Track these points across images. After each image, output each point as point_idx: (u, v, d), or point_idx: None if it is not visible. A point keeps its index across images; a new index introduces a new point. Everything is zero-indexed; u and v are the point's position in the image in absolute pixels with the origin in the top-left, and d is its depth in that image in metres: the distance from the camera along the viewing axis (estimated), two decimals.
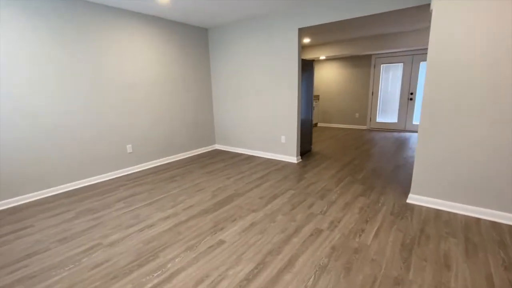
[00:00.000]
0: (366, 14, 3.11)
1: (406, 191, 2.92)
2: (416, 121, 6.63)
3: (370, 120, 7.24)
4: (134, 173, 3.84)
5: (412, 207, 2.57)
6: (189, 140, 4.77)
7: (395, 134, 6.42)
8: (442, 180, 2.47)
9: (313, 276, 1.65)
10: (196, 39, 4.61)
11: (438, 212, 2.44)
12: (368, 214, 2.44)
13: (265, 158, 4.49)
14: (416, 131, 6.60)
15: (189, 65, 4.56)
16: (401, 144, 5.29)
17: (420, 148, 2.53)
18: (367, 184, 3.19)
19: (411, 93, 6.53)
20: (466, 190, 2.37)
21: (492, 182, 2.24)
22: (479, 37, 2.11)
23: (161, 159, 4.31)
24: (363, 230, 2.18)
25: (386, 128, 7.08)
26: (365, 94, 7.17)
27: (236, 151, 4.96)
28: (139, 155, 3.99)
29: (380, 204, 2.64)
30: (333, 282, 1.60)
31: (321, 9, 3.43)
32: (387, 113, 7.00)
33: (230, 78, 4.71)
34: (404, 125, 6.80)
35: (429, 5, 2.90)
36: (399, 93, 6.71)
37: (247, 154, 4.75)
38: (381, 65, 6.82)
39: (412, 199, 2.66)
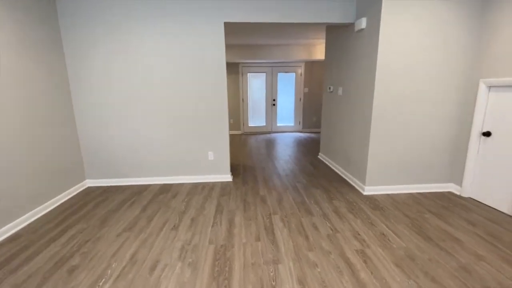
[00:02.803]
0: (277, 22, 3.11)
1: (352, 187, 3.29)
2: (279, 123, 7.77)
3: (243, 125, 7.62)
4: None
5: (371, 197, 2.93)
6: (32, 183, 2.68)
7: (267, 135, 7.18)
8: (389, 170, 3.00)
9: None
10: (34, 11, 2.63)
11: (390, 195, 2.95)
12: (359, 215, 2.49)
13: (189, 184, 3.42)
14: (279, 132, 7.74)
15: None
16: (293, 144, 5.98)
17: (372, 148, 2.92)
18: (320, 187, 3.27)
19: (274, 100, 7.56)
20: (404, 173, 3.03)
21: (423, 166, 3.02)
22: (403, 55, 2.73)
23: None
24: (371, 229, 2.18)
25: (258, 131, 7.75)
26: (236, 101, 7.42)
27: (132, 183, 3.41)
28: None
29: (354, 203, 2.78)
30: None
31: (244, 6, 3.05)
32: (256, 117, 7.66)
33: (114, 74, 3.12)
34: (271, 127, 7.76)
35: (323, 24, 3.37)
36: (264, 99, 7.54)
37: (157, 184, 3.40)
38: (248, 73, 7.33)
39: (368, 190, 3.03)
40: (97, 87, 3.13)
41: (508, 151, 2.47)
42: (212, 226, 2.35)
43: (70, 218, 2.52)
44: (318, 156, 4.72)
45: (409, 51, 2.72)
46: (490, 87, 2.62)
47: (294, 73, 7.43)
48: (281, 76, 7.42)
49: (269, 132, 7.72)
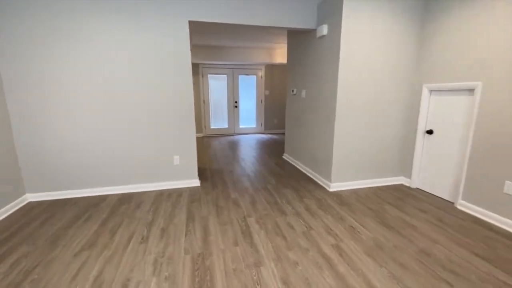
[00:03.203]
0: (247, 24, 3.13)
1: (319, 184, 3.45)
2: (242, 125, 7.77)
3: (205, 127, 7.42)
4: None
5: (338, 192, 3.12)
6: None
7: (230, 137, 7.12)
8: (351, 167, 3.22)
9: None
10: None
11: (353, 190, 3.17)
12: (328, 211, 2.62)
13: (153, 191, 3.18)
14: (242, 134, 7.75)
15: None
16: (257, 145, 6.01)
17: (336, 147, 3.11)
18: (289, 187, 3.36)
19: (236, 102, 7.53)
20: (364, 170, 3.29)
21: (380, 161, 3.30)
22: (361, 62, 2.98)
23: None
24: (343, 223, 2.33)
25: (220, 134, 7.63)
26: (197, 102, 7.19)
27: (86, 195, 3.04)
28: None
29: (323, 200, 2.92)
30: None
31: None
32: (218, 119, 7.54)
33: (56, 75, 2.75)
34: (233, 129, 7.71)
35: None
36: (226, 101, 7.46)
37: (115, 195, 3.08)
38: (208, 74, 7.17)
39: (333, 187, 3.21)
40: (37, 90, 2.72)
41: (446, 147, 2.87)
42: (186, 234, 2.22)
43: (9, 241, 2.13)
44: (283, 157, 4.84)
45: (367, 59, 2.97)
46: (431, 91, 3.01)
47: (255, 76, 7.52)
48: (242, 78, 7.44)
49: (232, 134, 7.66)
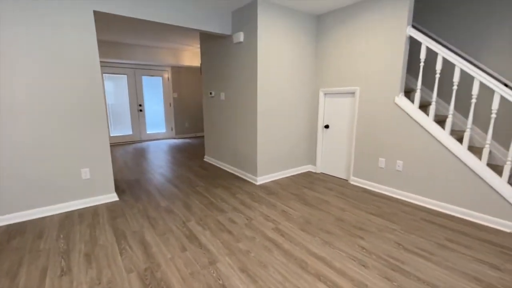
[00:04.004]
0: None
1: (246, 180, 3.68)
2: (149, 130, 7.13)
3: None
4: None
5: (264, 185, 3.44)
6: None
7: (137, 145, 6.44)
8: (272, 161, 3.62)
9: None
10: None
11: (275, 181, 3.58)
12: (261, 201, 2.89)
13: (56, 215, 2.55)
14: (151, 140, 7.13)
15: None
16: (174, 151, 5.63)
17: (259, 145, 3.42)
18: (219, 186, 3.43)
19: (140, 105, 6.85)
20: (281, 162, 3.75)
21: (288, 153, 3.82)
22: (276, 67, 3.42)
23: None
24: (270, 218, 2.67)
25: (123, 142, 6.74)
26: None
27: None
28: None
29: (254, 193, 3.17)
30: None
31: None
32: (119, 125, 6.65)
33: None
34: (140, 136, 6.98)
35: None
36: (128, 105, 6.68)
37: None
38: (103, 74, 6.22)
39: (259, 180, 3.52)
40: None
41: (338, 137, 3.68)
42: (121, 254, 1.95)
43: None
44: (205, 159, 4.83)
45: (279, 66, 3.42)
46: (325, 94, 3.78)
47: (161, 77, 7.09)
48: (146, 80, 6.86)
49: (139, 141, 6.93)
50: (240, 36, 3.37)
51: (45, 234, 2.23)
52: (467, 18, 3.12)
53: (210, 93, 4.30)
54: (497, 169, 2.65)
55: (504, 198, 2.27)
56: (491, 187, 2.34)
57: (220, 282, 1.65)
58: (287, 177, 3.77)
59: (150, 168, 4.28)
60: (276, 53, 3.36)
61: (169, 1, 2.97)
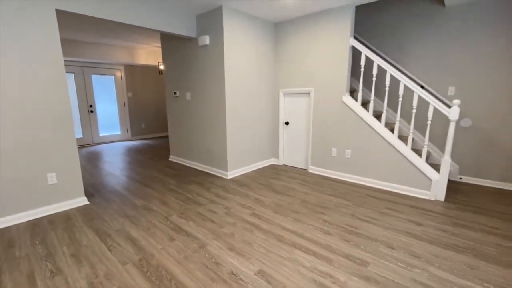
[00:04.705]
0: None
1: (217, 176, 3.89)
2: (102, 132, 6.70)
3: None
4: None
5: (234, 178, 3.71)
6: None
7: (90, 148, 6.04)
8: (240, 156, 3.90)
9: None
10: None
11: (244, 174, 3.87)
12: (235, 193, 3.17)
13: (21, 223, 2.40)
14: (104, 142, 6.72)
15: None
16: (134, 153, 5.43)
17: (229, 142, 3.68)
18: (192, 183, 3.57)
19: (91, 106, 6.40)
20: (249, 157, 4.06)
21: (255, 150, 4.16)
22: (242, 69, 3.71)
23: None
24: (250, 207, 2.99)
25: None
26: None
27: None
28: None
29: (226, 186, 3.41)
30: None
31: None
32: None
33: None
34: (91, 139, 6.52)
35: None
36: (77, 105, 6.18)
37: None
38: None
39: (230, 174, 3.78)
40: None
41: (298, 132, 4.15)
42: (110, 250, 2.02)
43: None
44: (170, 159, 4.85)
45: (244, 68, 3.71)
46: (284, 94, 4.21)
47: (113, 76, 6.72)
48: (97, 79, 6.43)
49: (91, 145, 6.48)
50: (206, 39, 3.55)
51: (16, 242, 2.13)
52: (391, 27, 3.88)
53: (175, 93, 4.37)
54: (418, 152, 3.42)
55: (423, 173, 2.97)
56: (414, 165, 3.03)
57: (213, 260, 1.89)
58: (254, 170, 4.10)
59: (113, 171, 4.15)
60: (240, 56, 3.65)
61: (134, 1, 3.00)
